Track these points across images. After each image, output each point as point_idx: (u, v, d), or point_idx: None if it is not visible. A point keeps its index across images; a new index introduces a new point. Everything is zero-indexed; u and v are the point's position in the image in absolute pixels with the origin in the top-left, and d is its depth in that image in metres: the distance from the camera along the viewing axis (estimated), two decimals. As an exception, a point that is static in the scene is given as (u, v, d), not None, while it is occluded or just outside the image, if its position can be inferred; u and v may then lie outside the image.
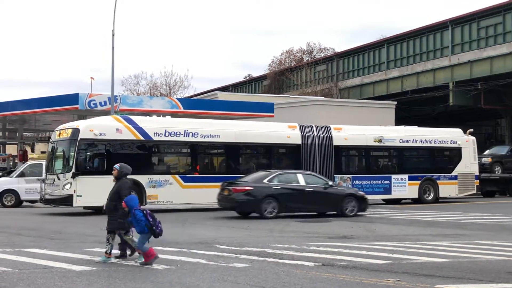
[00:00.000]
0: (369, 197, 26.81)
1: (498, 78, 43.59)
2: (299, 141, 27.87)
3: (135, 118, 25.68)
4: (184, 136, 25.64)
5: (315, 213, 23.28)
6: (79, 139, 23.36)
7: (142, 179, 24.20)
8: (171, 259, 12.11)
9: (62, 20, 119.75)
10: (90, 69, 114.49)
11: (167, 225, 19.54)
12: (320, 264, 11.66)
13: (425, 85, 48.69)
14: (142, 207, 11.90)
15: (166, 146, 25.74)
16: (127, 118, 25.37)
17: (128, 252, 12.22)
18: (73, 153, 23.30)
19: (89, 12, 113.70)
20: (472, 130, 33.04)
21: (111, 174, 12.78)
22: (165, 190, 24.75)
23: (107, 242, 11.93)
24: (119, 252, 12.24)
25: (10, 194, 29.81)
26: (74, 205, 23.13)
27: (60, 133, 24.58)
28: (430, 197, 30.22)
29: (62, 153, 24.25)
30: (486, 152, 36.70)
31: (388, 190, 29.03)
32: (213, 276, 10.36)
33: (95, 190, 22.30)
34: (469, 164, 31.42)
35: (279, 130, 27.90)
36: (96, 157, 23.77)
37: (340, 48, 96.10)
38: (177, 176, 25.29)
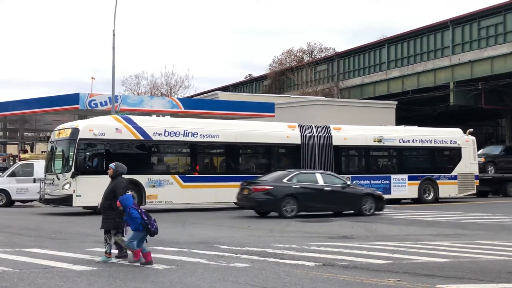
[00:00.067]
0: None
1: (499, 78, 43.61)
2: (298, 141, 27.87)
3: (134, 118, 25.66)
4: (183, 136, 25.63)
5: (331, 212, 23.50)
6: (78, 139, 23.34)
7: (142, 179, 24.20)
8: (171, 259, 12.11)
9: (62, 20, 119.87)
10: (91, 69, 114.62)
11: (168, 225, 19.56)
12: (321, 264, 11.66)
13: (425, 85, 48.71)
14: (137, 207, 11.83)
15: (165, 146, 25.72)
16: (126, 118, 25.35)
17: (116, 251, 12.17)
18: (72, 153, 23.27)
19: (90, 12, 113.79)
20: (472, 130, 33.03)
21: None
22: (164, 190, 24.74)
23: (105, 242, 11.93)
24: (117, 251, 12.22)
25: (1, 194, 29.76)
26: (73, 205, 23.11)
27: (59, 133, 24.55)
28: (430, 197, 30.21)
29: (61, 153, 24.21)
30: (479, 152, 36.64)
31: (387, 190, 29.00)
32: (213, 276, 10.36)
33: (94, 190, 22.22)
34: (469, 164, 31.41)
35: (278, 130, 27.90)
36: (95, 157, 23.74)
37: (341, 48, 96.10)
38: (176, 176, 25.28)
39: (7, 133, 49.97)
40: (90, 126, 23.94)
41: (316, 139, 28.26)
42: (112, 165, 12.49)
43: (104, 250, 11.93)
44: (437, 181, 30.39)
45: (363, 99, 53.16)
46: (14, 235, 16.77)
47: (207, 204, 27.94)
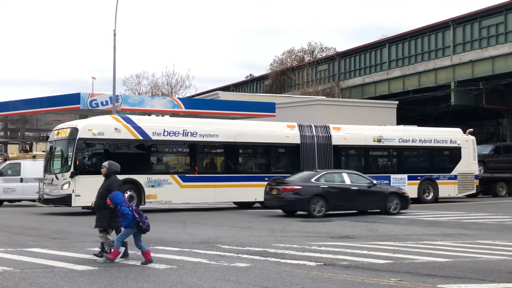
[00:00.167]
0: None
1: (500, 77, 43.61)
2: (298, 141, 27.86)
3: (133, 117, 25.61)
4: (183, 135, 25.59)
5: (352, 211, 23.72)
6: (77, 138, 23.29)
7: (141, 178, 24.17)
8: (172, 259, 12.11)
9: (63, 20, 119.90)
10: (92, 68, 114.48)
11: (169, 225, 19.59)
12: (322, 263, 11.66)
13: (426, 84, 48.72)
14: (128, 204, 11.76)
15: (165, 145, 25.68)
16: (125, 118, 25.30)
17: (98, 250, 12.15)
18: (71, 153, 23.21)
19: (91, 12, 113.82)
20: (471, 130, 32.99)
21: None
22: (164, 190, 24.70)
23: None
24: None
25: None
26: (72, 204, 23.06)
27: (58, 133, 24.47)
28: (430, 197, 30.16)
29: (60, 153, 24.15)
30: None
31: None
32: (214, 276, 10.36)
33: (94, 189, 22.06)
34: (468, 163, 31.38)
35: (278, 130, 27.88)
36: (94, 157, 23.63)
37: (342, 47, 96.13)
38: (176, 176, 25.25)
39: (8, 133, 50.02)
40: (89, 126, 23.89)
41: (315, 139, 28.25)
42: (105, 163, 12.47)
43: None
44: (437, 181, 30.36)
45: (364, 99, 53.18)
46: (15, 235, 16.78)
47: (206, 204, 27.91)
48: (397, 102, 48.88)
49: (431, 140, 30.91)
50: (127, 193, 23.76)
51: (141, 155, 25.03)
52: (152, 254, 12.47)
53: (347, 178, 23.54)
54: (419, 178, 30.05)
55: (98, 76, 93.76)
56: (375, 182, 24.30)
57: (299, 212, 23.06)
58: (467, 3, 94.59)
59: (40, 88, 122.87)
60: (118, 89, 37.95)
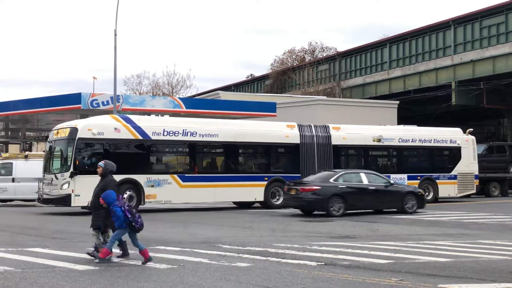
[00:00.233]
0: None
1: (501, 77, 43.60)
2: (297, 141, 27.86)
3: (133, 117, 25.56)
4: (182, 135, 25.56)
5: (366, 210, 23.97)
6: (77, 138, 23.24)
7: (141, 178, 24.14)
8: (173, 259, 12.11)
9: (64, 19, 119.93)
10: (92, 68, 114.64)
11: (169, 225, 19.59)
12: (323, 263, 11.65)
13: (427, 84, 48.71)
14: (120, 203, 11.67)
15: (164, 145, 25.65)
16: (125, 118, 25.26)
17: (92, 249, 12.13)
18: (71, 153, 23.16)
19: (92, 12, 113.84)
20: (471, 129, 32.96)
21: None
22: (163, 190, 24.65)
23: (104, 241, 11.90)
24: (121, 251, 12.22)
25: None
26: (72, 204, 23.01)
27: (58, 132, 24.42)
28: (430, 197, 30.05)
29: (60, 153, 24.10)
30: None
31: None
32: (215, 276, 10.36)
33: (93, 189, 22.22)
34: (468, 163, 31.35)
35: (277, 130, 27.87)
36: (94, 157, 23.46)
37: (342, 47, 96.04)
38: (175, 176, 25.21)
39: (9, 132, 50.05)
40: (89, 126, 23.84)
41: (315, 138, 28.25)
42: (101, 163, 12.47)
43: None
44: (437, 181, 30.33)
45: (365, 98, 53.18)
46: (16, 235, 16.79)
47: (206, 204, 27.87)
48: (398, 102, 48.87)
49: (431, 140, 30.90)
50: (126, 193, 23.76)
51: (140, 155, 25.01)
52: (153, 254, 12.47)
53: (364, 178, 23.86)
54: (419, 178, 30.04)
55: (99, 76, 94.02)
56: (392, 181, 24.75)
57: (316, 212, 23.37)
58: (468, 3, 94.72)
59: (40, 88, 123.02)
60: (119, 89, 38.06)
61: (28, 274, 10.42)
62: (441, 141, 31.13)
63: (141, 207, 24.42)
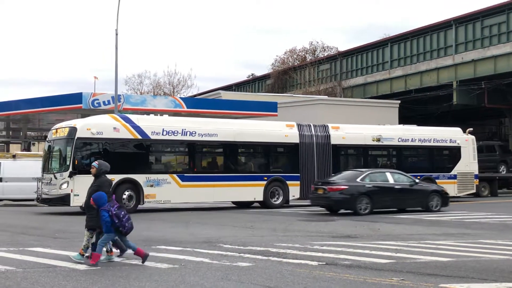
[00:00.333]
0: None
1: (502, 77, 43.54)
2: (297, 140, 27.84)
3: (132, 117, 25.48)
4: (182, 135, 25.51)
5: (395, 209, 24.40)
6: (76, 138, 23.18)
7: (140, 178, 24.11)
8: (175, 258, 12.11)
9: (65, 19, 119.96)
10: (93, 68, 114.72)
11: (170, 225, 19.60)
12: (324, 263, 11.65)
13: (428, 84, 48.66)
14: (110, 206, 11.53)
15: (164, 145, 25.62)
16: (124, 117, 25.21)
17: (87, 254, 12.07)
18: (70, 152, 23.10)
19: (93, 11, 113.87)
20: (471, 129, 32.90)
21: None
22: (162, 189, 24.60)
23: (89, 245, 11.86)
24: (117, 250, 12.17)
25: None
26: (71, 204, 22.94)
27: (56, 132, 24.35)
28: None
29: (59, 152, 24.03)
30: None
31: None
32: (216, 275, 10.36)
33: None
34: (468, 163, 31.31)
35: (277, 129, 27.85)
36: (93, 156, 23.21)
37: (343, 47, 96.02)
38: (175, 175, 25.16)
39: (10, 132, 50.07)
40: (88, 125, 23.78)
41: (314, 138, 28.24)
42: (95, 163, 12.40)
43: (105, 249, 11.89)
44: (436, 181, 30.22)
45: (366, 98, 53.12)
46: (17, 234, 16.80)
47: (205, 204, 27.80)
48: (399, 101, 48.81)
49: (430, 140, 30.88)
50: (126, 193, 23.73)
51: (140, 154, 24.98)
52: (154, 254, 12.50)
53: (390, 177, 24.38)
54: (418, 177, 29.85)
55: (100, 75, 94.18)
56: (417, 180, 25.20)
57: (342, 211, 23.96)
58: (469, 2, 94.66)
59: (41, 88, 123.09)
60: (120, 89, 38.04)
61: (30, 274, 10.43)
62: (440, 141, 31.11)
63: (140, 207, 24.42)
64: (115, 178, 23.08)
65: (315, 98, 49.17)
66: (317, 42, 74.43)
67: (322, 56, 67.81)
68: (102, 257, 11.85)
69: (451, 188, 30.68)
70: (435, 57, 48.76)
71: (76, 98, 35.30)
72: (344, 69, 58.75)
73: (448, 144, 31.24)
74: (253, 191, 26.45)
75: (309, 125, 28.71)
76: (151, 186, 24.37)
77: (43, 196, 24.24)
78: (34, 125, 48.27)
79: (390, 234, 17.03)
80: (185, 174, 25.43)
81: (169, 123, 25.70)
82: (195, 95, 63.15)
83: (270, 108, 40.50)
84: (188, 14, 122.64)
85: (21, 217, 23.14)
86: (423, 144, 30.74)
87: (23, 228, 18.72)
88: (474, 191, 31.75)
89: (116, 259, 11.91)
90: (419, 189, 24.73)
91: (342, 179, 24.05)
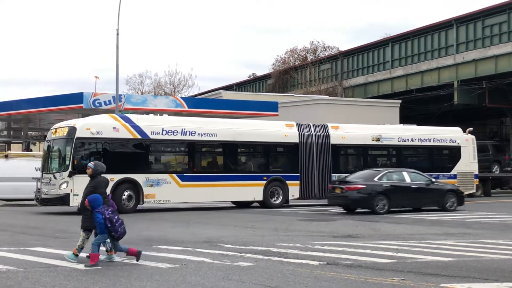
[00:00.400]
0: None
1: (503, 76, 43.52)
2: (296, 140, 27.83)
3: (132, 116, 25.44)
4: (181, 134, 25.47)
5: (408, 208, 24.67)
6: (75, 137, 23.12)
7: (139, 178, 24.07)
8: (176, 258, 12.11)
9: (66, 19, 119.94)
10: (94, 68, 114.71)
11: (171, 224, 19.60)
12: (325, 263, 11.65)
13: (429, 83, 48.63)
14: (104, 209, 11.48)
15: (163, 144, 25.59)
16: (124, 117, 25.18)
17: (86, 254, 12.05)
18: (69, 152, 23.04)
19: (94, 11, 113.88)
20: (471, 129, 32.86)
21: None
22: (162, 189, 24.56)
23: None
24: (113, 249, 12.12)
25: None
26: (70, 204, 22.84)
27: (56, 132, 24.28)
28: None
29: (58, 152, 23.97)
30: None
31: None
32: (218, 275, 10.36)
33: None
34: (468, 163, 31.27)
35: (276, 129, 27.83)
36: (92, 156, 23.23)
37: (344, 47, 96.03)
38: (174, 175, 25.11)
39: (12, 132, 50.08)
40: (88, 125, 23.74)
41: (314, 138, 28.22)
42: (90, 164, 12.36)
43: (104, 249, 11.88)
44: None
45: (367, 98, 53.11)
46: (18, 234, 16.81)
47: (204, 203, 27.75)
48: (400, 101, 48.78)
49: (430, 139, 30.86)
50: (125, 193, 23.71)
51: (139, 154, 24.96)
52: (155, 254, 12.52)
53: (407, 177, 24.71)
54: None
55: (101, 75, 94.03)
56: (433, 180, 25.48)
57: (360, 210, 24.33)
58: (470, 2, 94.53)
59: (42, 88, 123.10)
60: (121, 89, 38.08)
61: (31, 274, 10.43)
62: (440, 140, 31.08)
63: (140, 206, 24.41)
64: (115, 178, 23.09)
65: (316, 98, 49.16)
66: (318, 42, 74.41)
67: (323, 55, 67.78)
68: (103, 257, 11.85)
69: None
70: (436, 56, 48.74)
71: (77, 98, 35.30)
72: (345, 68, 58.74)
73: (448, 143, 31.21)
74: (253, 191, 26.43)
75: (309, 125, 28.70)
76: (151, 186, 24.35)
77: (43, 196, 24.19)
78: (35, 125, 48.28)
79: (391, 234, 17.03)
80: (184, 174, 25.39)
81: (168, 123, 25.67)
82: (196, 95, 63.13)
83: (271, 108, 40.49)
84: (189, 14, 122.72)
85: (21, 217, 23.15)
86: (423, 143, 30.73)
87: (23, 228, 18.73)
88: (474, 191, 31.73)
89: (117, 259, 11.90)
90: (435, 188, 25.05)
91: (359, 179, 24.35)
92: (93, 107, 34.56)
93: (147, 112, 31.09)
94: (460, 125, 34.38)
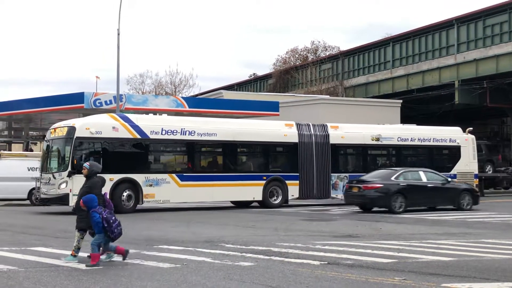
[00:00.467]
0: None
1: (504, 76, 43.49)
2: (296, 139, 27.82)
3: (131, 116, 25.42)
4: (181, 134, 25.44)
5: (424, 207, 25.07)
6: (75, 137, 23.07)
7: (139, 178, 24.05)
8: (176, 258, 12.11)
9: (67, 19, 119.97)
10: (95, 68, 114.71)
11: (172, 224, 19.60)
12: (326, 262, 11.65)
13: (430, 83, 48.61)
14: (101, 209, 11.49)
15: (163, 144, 25.58)
16: (123, 116, 25.15)
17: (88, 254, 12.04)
18: (69, 152, 23.01)
19: (95, 11, 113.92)
20: (471, 128, 32.83)
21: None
22: (162, 189, 24.53)
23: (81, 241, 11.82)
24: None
25: None
26: (70, 204, 22.67)
27: (55, 131, 24.24)
28: None
29: (57, 152, 23.94)
30: None
31: None
32: (218, 275, 10.36)
33: None
34: (468, 162, 31.25)
35: (276, 128, 27.83)
36: (92, 156, 23.23)
37: (344, 47, 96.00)
38: (174, 175, 25.08)
39: (12, 132, 50.09)
40: (87, 125, 23.70)
41: (313, 137, 28.22)
42: (86, 164, 12.35)
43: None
44: None
45: (367, 97, 53.09)
46: (18, 234, 16.81)
47: (204, 203, 27.71)
48: (401, 101, 48.74)
49: (430, 139, 30.84)
50: (125, 193, 23.68)
51: (139, 154, 24.95)
52: (156, 253, 12.53)
53: (423, 176, 25.02)
54: None
55: (102, 75, 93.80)
56: (449, 179, 25.85)
57: (376, 209, 24.55)
58: (471, 1, 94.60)
59: (42, 88, 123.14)
60: (122, 89, 37.89)
61: (32, 273, 10.44)
62: (440, 140, 31.06)
63: (139, 206, 24.40)
64: (114, 177, 23.10)
65: (317, 98, 49.14)
66: (319, 42, 74.32)
67: (323, 55, 67.75)
68: (103, 256, 11.85)
69: None
70: (437, 56, 48.71)
71: (78, 97, 35.30)
72: (346, 68, 58.72)
73: (448, 143, 31.20)
74: (252, 191, 26.42)
75: (308, 125, 28.70)
76: (150, 185, 24.32)
77: (42, 196, 24.17)
78: (36, 125, 48.29)
79: (392, 233, 17.03)
80: (184, 174, 25.37)
81: (168, 123, 25.64)
82: (197, 95, 63.11)
83: (272, 108, 40.49)
84: (190, 14, 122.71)
85: (21, 217, 23.15)
86: (423, 143, 30.72)
87: (23, 227, 18.73)
88: None
89: (117, 258, 11.90)
90: (451, 187, 25.39)
91: (376, 178, 24.64)
92: (94, 107, 34.55)
93: (148, 112, 31.12)
94: (461, 125, 34.35)
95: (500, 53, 43.45)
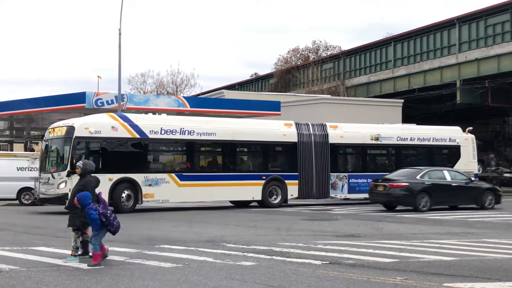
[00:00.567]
0: (366, 195, 27.00)
1: (506, 76, 43.48)
2: (295, 139, 27.80)
3: (130, 115, 25.39)
4: (180, 134, 25.41)
5: (446, 206, 25.43)
6: (74, 137, 23.02)
7: (138, 177, 24.00)
8: (178, 257, 12.11)
9: (68, 19, 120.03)
10: (96, 68, 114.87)
11: (174, 224, 19.59)
12: (327, 262, 11.64)
13: (432, 83, 48.59)
14: (95, 206, 11.46)
15: (162, 144, 25.55)
16: (122, 116, 25.13)
17: (80, 251, 11.98)
18: (68, 151, 22.96)
19: (96, 11, 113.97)
20: (471, 128, 32.78)
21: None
22: (161, 189, 24.48)
23: (73, 240, 11.85)
24: (82, 250, 12.09)
25: None
26: None
27: (54, 131, 24.20)
28: None
29: (56, 152, 23.91)
30: None
31: None
32: (220, 275, 10.36)
33: None
34: (468, 162, 31.19)
35: (275, 128, 27.80)
36: (91, 155, 23.17)
37: (346, 46, 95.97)
38: (173, 175, 25.04)
39: (14, 131, 50.12)
40: (86, 124, 23.67)
41: (312, 137, 28.20)
42: (79, 163, 12.30)
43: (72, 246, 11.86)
44: None
45: (369, 97, 53.08)
46: (20, 234, 16.82)
47: (203, 203, 27.68)
48: (402, 100, 48.74)
49: (429, 139, 30.81)
50: (124, 193, 23.66)
51: (138, 153, 24.93)
52: (157, 253, 12.52)
53: (447, 175, 25.47)
54: None
55: (103, 75, 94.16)
56: (472, 178, 26.32)
57: (401, 207, 24.92)
58: (472, 1, 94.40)
59: (43, 88, 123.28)
60: (123, 88, 37.92)
61: (33, 273, 10.44)
62: (440, 140, 31.03)
63: (139, 206, 24.39)
64: (113, 177, 23.09)
65: (318, 97, 49.14)
66: (320, 41, 74.29)
67: (325, 55, 67.75)
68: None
69: None
70: (438, 56, 48.70)
71: (80, 97, 35.32)
72: (347, 68, 58.72)
73: (448, 143, 31.17)
74: (252, 190, 26.40)
75: (307, 124, 28.67)
76: (150, 185, 24.29)
77: (41, 195, 24.15)
78: (38, 125, 48.31)
79: (394, 233, 17.02)
80: (183, 174, 25.34)
81: (167, 122, 25.60)
82: (198, 94, 63.12)
83: (273, 107, 40.50)
84: (191, 14, 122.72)
85: (22, 217, 23.14)
86: (422, 143, 30.69)
87: (25, 227, 18.73)
88: None
89: (117, 258, 11.91)
90: (474, 186, 25.86)
91: (402, 176, 24.94)
92: (95, 106, 34.56)
93: (149, 111, 31.13)
94: (463, 124, 34.32)
95: (502, 53, 43.43)
